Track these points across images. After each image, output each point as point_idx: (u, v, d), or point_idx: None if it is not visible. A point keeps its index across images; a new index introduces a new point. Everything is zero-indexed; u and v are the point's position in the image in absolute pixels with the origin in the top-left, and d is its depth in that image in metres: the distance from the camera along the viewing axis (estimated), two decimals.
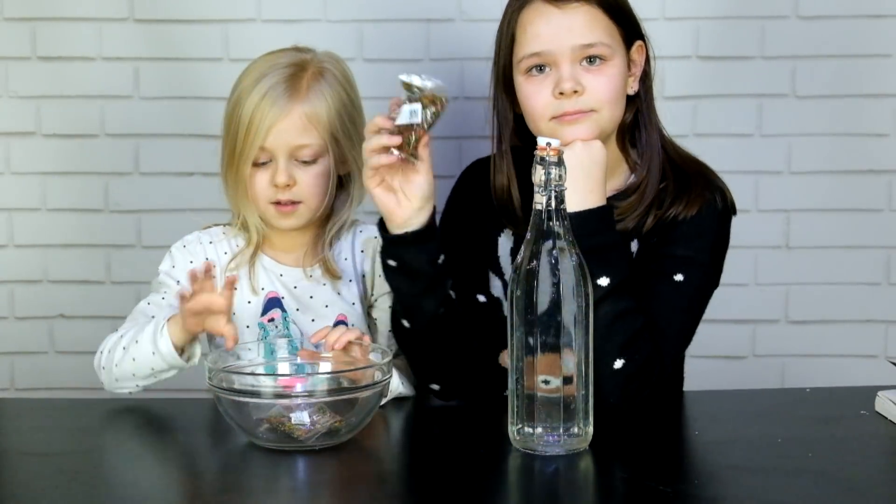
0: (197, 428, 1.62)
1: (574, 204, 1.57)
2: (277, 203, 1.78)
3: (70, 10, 2.33)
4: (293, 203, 1.79)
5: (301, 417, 1.49)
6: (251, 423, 1.50)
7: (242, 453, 1.49)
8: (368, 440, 1.56)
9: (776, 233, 2.39)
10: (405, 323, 1.72)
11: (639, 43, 1.75)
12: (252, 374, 1.60)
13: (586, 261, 1.46)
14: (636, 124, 1.76)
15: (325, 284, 1.84)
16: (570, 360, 1.44)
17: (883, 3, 2.32)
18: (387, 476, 1.49)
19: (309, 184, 1.79)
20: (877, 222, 2.37)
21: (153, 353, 1.69)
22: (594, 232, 1.61)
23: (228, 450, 1.52)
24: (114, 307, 1.93)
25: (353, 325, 1.81)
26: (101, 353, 1.75)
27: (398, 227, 1.67)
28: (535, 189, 1.45)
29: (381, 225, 1.70)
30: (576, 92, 1.66)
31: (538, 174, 1.44)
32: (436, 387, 1.75)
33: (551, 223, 1.45)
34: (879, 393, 1.61)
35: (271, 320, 1.82)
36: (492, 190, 1.78)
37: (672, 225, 1.71)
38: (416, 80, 1.59)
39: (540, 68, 1.68)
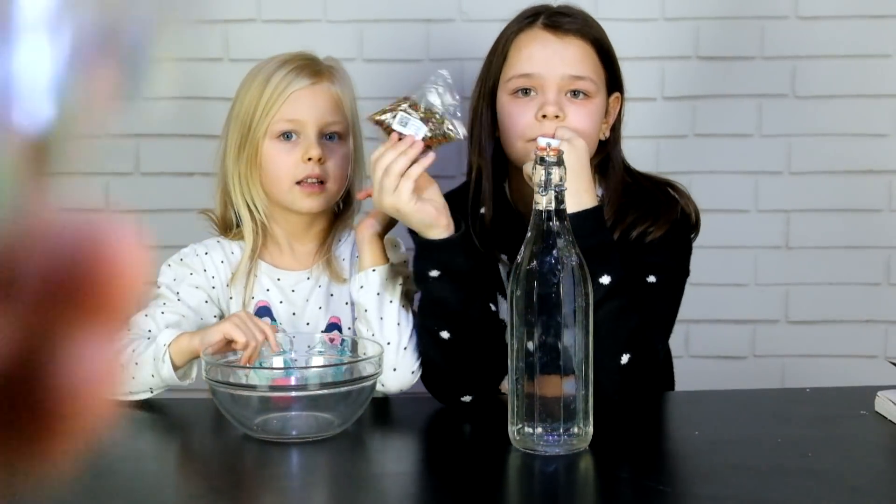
0: (196, 424, 1.62)
1: (570, 206, 1.57)
2: (302, 183, 1.71)
3: None
4: (321, 182, 1.72)
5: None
6: (246, 415, 1.49)
7: (238, 446, 1.50)
8: (364, 436, 1.56)
9: (776, 233, 2.38)
10: (444, 335, 1.66)
11: (616, 94, 1.79)
12: (247, 367, 1.59)
13: (587, 260, 1.46)
14: (603, 165, 1.80)
15: (320, 286, 1.78)
16: (569, 361, 1.44)
17: (883, 3, 2.32)
18: (383, 473, 1.48)
19: (336, 164, 1.72)
20: (877, 222, 2.37)
21: (152, 376, 1.64)
22: (593, 231, 1.62)
23: (225, 444, 1.52)
24: None
25: (348, 328, 1.77)
26: None
27: (444, 232, 1.63)
28: (535, 189, 1.45)
29: (419, 238, 1.64)
30: (557, 117, 1.68)
31: (538, 174, 1.44)
32: (468, 398, 1.69)
33: (551, 223, 1.45)
34: (879, 393, 1.61)
35: None
36: (476, 222, 1.76)
37: (639, 243, 1.74)
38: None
39: (526, 91, 1.71)
